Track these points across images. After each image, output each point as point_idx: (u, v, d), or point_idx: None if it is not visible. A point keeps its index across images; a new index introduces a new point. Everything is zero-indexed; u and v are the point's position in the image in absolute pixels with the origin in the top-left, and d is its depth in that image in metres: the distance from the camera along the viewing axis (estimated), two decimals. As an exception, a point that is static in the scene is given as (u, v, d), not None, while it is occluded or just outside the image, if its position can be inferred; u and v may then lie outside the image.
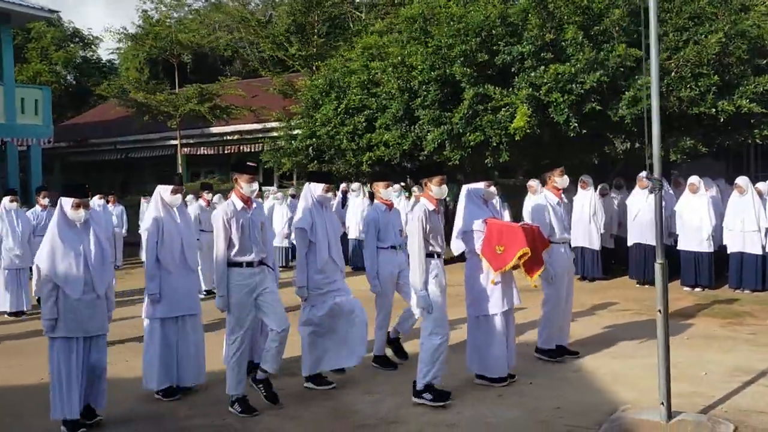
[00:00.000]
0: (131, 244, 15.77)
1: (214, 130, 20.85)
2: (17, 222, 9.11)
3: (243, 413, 5.01)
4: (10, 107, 19.84)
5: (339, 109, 12.89)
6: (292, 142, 14.61)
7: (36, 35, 36.22)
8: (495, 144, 10.57)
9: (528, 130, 9.81)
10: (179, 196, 5.59)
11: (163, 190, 5.55)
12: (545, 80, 9.71)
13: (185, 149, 20.92)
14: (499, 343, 5.30)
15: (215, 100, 18.87)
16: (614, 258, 11.31)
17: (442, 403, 4.96)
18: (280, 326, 4.96)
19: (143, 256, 7.80)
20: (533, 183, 10.74)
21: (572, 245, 10.84)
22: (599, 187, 11.06)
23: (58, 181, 24.42)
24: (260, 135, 20.14)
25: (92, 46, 42.95)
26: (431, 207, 5.04)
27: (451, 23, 10.85)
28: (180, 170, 20.00)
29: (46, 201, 9.88)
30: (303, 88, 15.09)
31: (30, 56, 36.19)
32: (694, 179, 9.47)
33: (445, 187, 5.13)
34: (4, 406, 5.44)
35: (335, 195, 11.89)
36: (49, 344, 4.71)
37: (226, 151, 20.98)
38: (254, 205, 5.17)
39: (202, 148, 21.22)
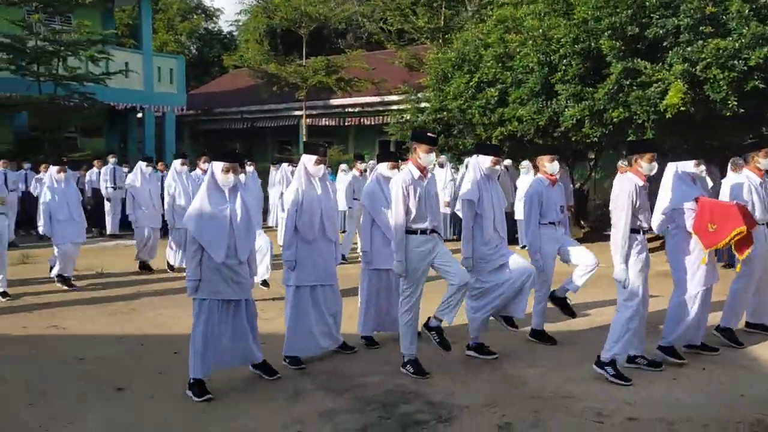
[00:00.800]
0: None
1: (336, 102, 21.25)
2: (188, 183, 9.69)
3: (415, 374, 5.18)
4: (148, 75, 21.04)
5: (471, 83, 12.78)
6: (419, 115, 14.67)
7: (163, 6, 37.99)
8: (640, 121, 10.19)
9: (681, 108, 9.38)
10: (322, 167, 5.52)
11: (307, 160, 5.51)
12: (704, 56, 9.22)
13: (307, 120, 21.46)
14: (696, 317, 5.37)
15: (340, 73, 19.20)
16: None
17: (622, 382, 4.93)
18: (462, 281, 5.07)
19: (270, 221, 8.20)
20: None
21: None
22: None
23: (187, 147, 25.77)
24: (381, 108, 20.40)
25: (213, 18, 44.73)
26: (640, 183, 5.02)
27: (600, -7, 10.47)
28: (304, 139, 20.57)
29: (205, 165, 10.43)
30: (430, 61, 15.05)
31: (157, 27, 37.97)
32: None
33: (655, 164, 5.06)
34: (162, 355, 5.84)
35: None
36: (193, 305, 4.84)
37: (346, 123, 21.36)
38: (429, 175, 5.27)
39: (323, 119, 21.68)
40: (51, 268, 8.97)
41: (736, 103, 9.18)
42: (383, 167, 6.27)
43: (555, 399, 4.73)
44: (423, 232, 5.15)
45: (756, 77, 9.04)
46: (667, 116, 9.62)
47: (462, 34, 14.40)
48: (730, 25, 9.22)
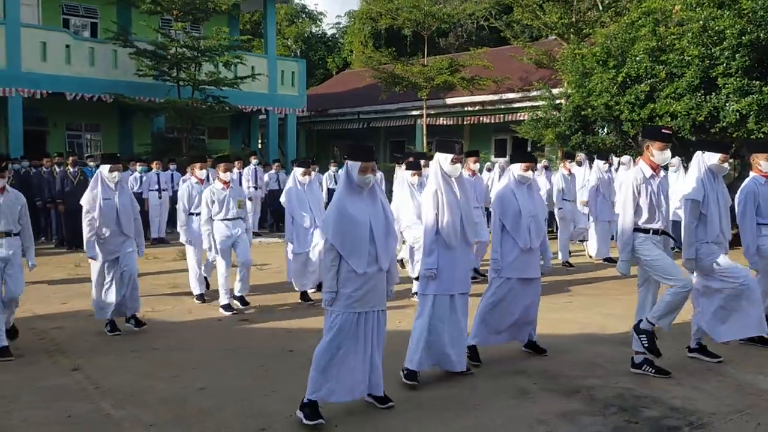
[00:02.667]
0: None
1: (455, 100, 21.21)
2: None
3: (657, 374, 5.12)
4: (272, 78, 21.69)
5: (617, 78, 12.43)
6: (555, 112, 14.39)
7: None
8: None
9: None
10: (459, 165, 5.06)
11: (443, 159, 5.01)
12: None
13: (423, 120, 21.52)
14: None
15: (461, 71, 19.14)
16: None
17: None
18: (685, 285, 4.91)
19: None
20: None
21: None
22: None
23: (302, 148, 26.44)
24: (501, 106, 20.20)
25: (317, 21, 45.72)
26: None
27: (772, -18, 9.92)
28: (424, 140, 20.65)
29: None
30: (566, 57, 14.73)
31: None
32: None
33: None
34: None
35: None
36: (326, 317, 4.36)
37: (465, 122, 21.28)
38: (661, 174, 5.11)
39: (441, 118, 21.70)
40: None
41: None
42: (517, 168, 5.77)
43: (808, 410, 4.47)
44: (655, 232, 4.99)
45: None
46: None
47: (604, 29, 14.01)
48: None
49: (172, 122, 19.36)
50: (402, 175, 8.45)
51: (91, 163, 13.64)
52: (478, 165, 9.41)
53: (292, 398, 4.78)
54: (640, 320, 5.16)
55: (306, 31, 43.57)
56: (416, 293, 7.05)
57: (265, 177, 15.88)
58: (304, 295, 7.99)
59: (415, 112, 22.28)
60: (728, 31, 10.36)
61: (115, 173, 6.59)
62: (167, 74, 17.66)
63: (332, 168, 16.42)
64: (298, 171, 8.06)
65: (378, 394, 4.51)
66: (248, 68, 19.60)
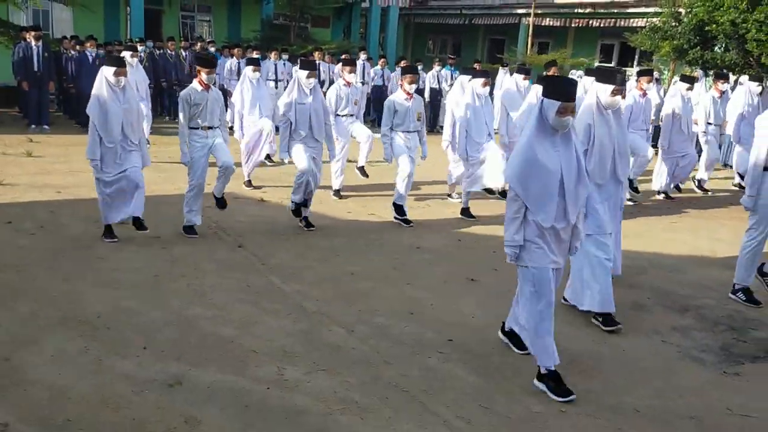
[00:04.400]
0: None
1: (564, 0, 20.53)
2: None
3: (747, 302, 5.49)
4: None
5: (749, -6, 11.89)
6: (675, 24, 13.92)
7: None
8: None
9: None
10: (618, 98, 4.78)
11: (601, 90, 4.74)
12: None
13: (529, 19, 20.99)
14: None
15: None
16: None
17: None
18: None
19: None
20: None
21: None
22: None
23: (400, 42, 26.31)
24: (615, 9, 19.47)
25: None
26: None
27: None
28: (529, 41, 20.28)
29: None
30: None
31: None
32: None
33: None
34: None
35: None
36: (518, 271, 4.06)
37: (573, 24, 20.66)
38: None
39: (547, 18, 21.09)
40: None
41: None
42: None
43: None
44: None
45: None
46: None
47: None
48: None
49: (279, 9, 19.70)
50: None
51: (212, 49, 14.35)
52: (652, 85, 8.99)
53: (429, 287, 5.52)
54: (763, 263, 5.57)
55: None
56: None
57: (371, 72, 16.23)
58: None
59: (520, 11, 21.73)
60: None
61: (312, 80, 6.78)
62: (280, -40, 17.85)
63: (436, 67, 16.49)
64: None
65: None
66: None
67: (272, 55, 14.50)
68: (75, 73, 12.86)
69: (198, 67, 6.50)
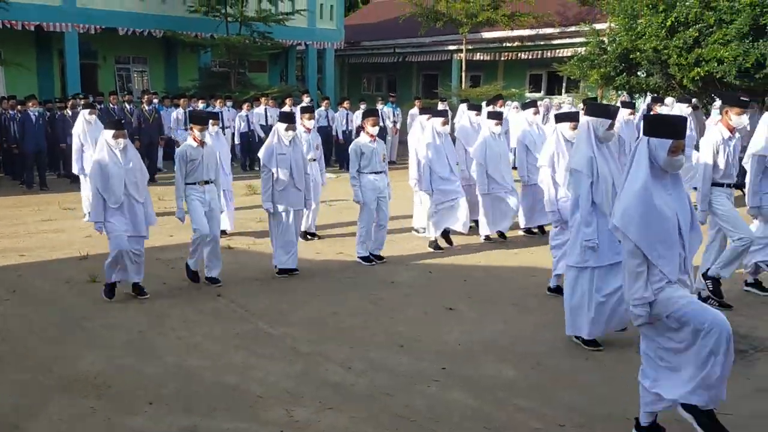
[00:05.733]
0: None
1: (493, 35, 21.42)
2: None
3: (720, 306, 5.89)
4: (312, 13, 21.96)
5: (666, 23, 12.83)
6: (602, 53, 14.82)
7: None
8: None
9: None
10: (615, 131, 5.00)
11: (597, 124, 4.92)
12: None
13: (460, 55, 21.79)
14: None
15: (502, 7, 19.36)
16: None
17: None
18: (750, 236, 5.78)
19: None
20: None
21: None
22: None
23: (336, 82, 26.77)
24: (541, 42, 20.48)
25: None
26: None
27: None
28: (463, 75, 21.04)
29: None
30: (613, -1, 15.01)
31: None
32: None
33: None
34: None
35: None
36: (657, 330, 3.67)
37: (503, 58, 21.59)
38: (737, 135, 5.82)
39: (478, 53, 21.95)
40: None
41: None
42: (565, 127, 6.16)
43: None
44: (728, 186, 5.76)
45: None
46: None
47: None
48: None
49: (218, 57, 19.89)
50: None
51: (155, 101, 14.36)
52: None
53: (411, 320, 5.75)
54: (708, 268, 6.02)
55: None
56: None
57: (315, 113, 16.50)
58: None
59: (451, 47, 22.54)
60: (781, -21, 10.77)
61: (291, 132, 6.91)
62: (216, 10, 18.08)
63: (379, 105, 16.92)
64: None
65: None
66: (289, 3, 19.93)
67: (217, 103, 14.64)
68: (18, 134, 12.65)
69: (191, 124, 6.70)
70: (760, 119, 6.22)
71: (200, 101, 14.98)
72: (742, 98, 5.73)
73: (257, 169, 14.03)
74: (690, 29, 12.45)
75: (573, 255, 5.01)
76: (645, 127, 3.63)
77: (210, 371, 4.71)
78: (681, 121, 3.57)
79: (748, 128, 7.20)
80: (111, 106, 14.27)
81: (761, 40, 11.38)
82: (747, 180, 6.14)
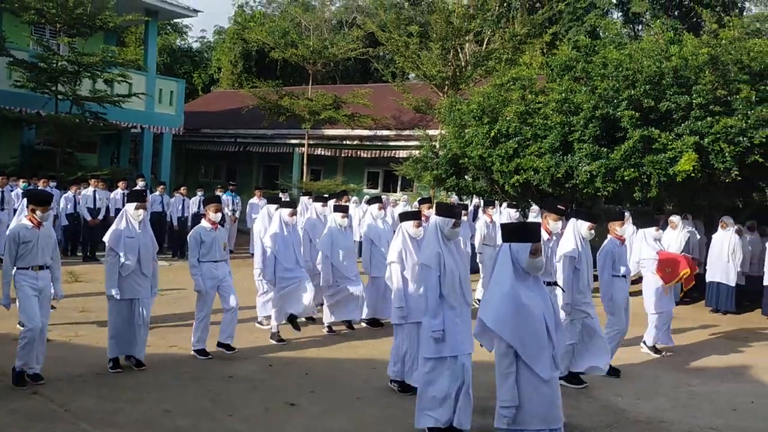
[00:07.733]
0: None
1: (333, 132, 22.25)
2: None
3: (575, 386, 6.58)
4: (150, 96, 21.51)
5: (490, 133, 14.13)
6: (434, 157, 15.92)
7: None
8: (647, 181, 11.73)
9: (692, 174, 10.94)
10: (459, 229, 5.34)
11: (443, 223, 5.26)
12: (713, 131, 10.83)
13: (302, 149, 22.33)
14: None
15: (342, 108, 20.31)
16: (746, 295, 12.36)
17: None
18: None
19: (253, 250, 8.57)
20: (675, 219, 11.95)
21: (710, 280, 12.08)
22: (736, 227, 12.17)
23: (173, 167, 26.09)
24: (378, 142, 21.58)
25: (183, 35, 45.16)
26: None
27: (620, 69, 12.04)
28: (304, 169, 21.46)
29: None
30: (444, 108, 16.33)
31: (128, 41, 37.83)
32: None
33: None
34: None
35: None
36: None
37: (343, 154, 22.39)
38: (554, 237, 6.47)
39: (319, 149, 22.60)
40: None
41: (737, 172, 10.81)
42: (409, 225, 6.51)
43: (653, 423, 5.94)
44: (548, 284, 6.29)
45: (756, 153, 10.70)
46: (678, 179, 11.17)
47: (480, 88, 15.77)
48: (736, 106, 10.88)
49: (44, 135, 18.68)
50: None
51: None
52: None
53: (251, 417, 5.54)
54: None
55: (172, 44, 42.91)
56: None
57: (149, 198, 15.89)
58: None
59: (293, 141, 23.04)
60: (584, 105, 12.35)
61: (141, 211, 6.63)
62: (46, 87, 17.13)
63: (218, 192, 16.68)
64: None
65: None
66: (127, 85, 19.39)
67: (40, 183, 13.63)
68: None
69: (31, 205, 6.12)
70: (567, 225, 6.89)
71: (21, 180, 13.84)
72: (559, 206, 6.40)
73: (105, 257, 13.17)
74: (510, 141, 13.76)
75: (428, 346, 5.11)
76: (504, 234, 3.92)
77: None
78: (536, 226, 3.96)
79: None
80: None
81: (569, 155, 12.85)
82: (558, 278, 6.75)
